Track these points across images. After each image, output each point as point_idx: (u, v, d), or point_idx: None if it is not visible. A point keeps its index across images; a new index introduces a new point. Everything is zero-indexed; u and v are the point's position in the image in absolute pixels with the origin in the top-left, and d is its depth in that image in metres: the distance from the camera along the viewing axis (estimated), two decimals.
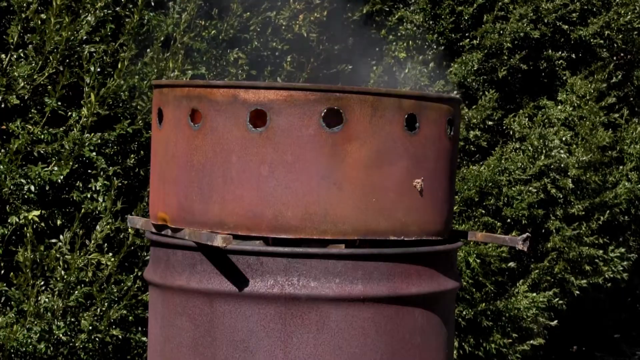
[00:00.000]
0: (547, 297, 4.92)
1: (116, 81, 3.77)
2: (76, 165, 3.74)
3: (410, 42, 4.85)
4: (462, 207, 4.74)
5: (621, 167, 5.38)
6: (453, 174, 2.63)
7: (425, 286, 2.51)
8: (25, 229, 3.57)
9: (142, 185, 3.93)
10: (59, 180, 3.69)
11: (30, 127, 3.68)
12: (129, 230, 3.76)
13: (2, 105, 3.67)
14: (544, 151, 4.91)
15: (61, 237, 3.69)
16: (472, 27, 4.96)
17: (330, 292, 2.40)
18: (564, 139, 4.97)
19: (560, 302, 5.04)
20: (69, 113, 3.78)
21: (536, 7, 4.97)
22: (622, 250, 5.31)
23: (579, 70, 5.27)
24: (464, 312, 4.68)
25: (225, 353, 2.42)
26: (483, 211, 4.80)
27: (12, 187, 3.61)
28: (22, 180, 3.64)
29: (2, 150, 3.64)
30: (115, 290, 3.77)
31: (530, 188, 4.85)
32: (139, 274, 3.83)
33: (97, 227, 3.72)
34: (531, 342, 4.98)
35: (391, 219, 2.45)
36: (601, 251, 5.21)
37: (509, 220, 4.89)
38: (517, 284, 4.95)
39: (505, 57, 4.93)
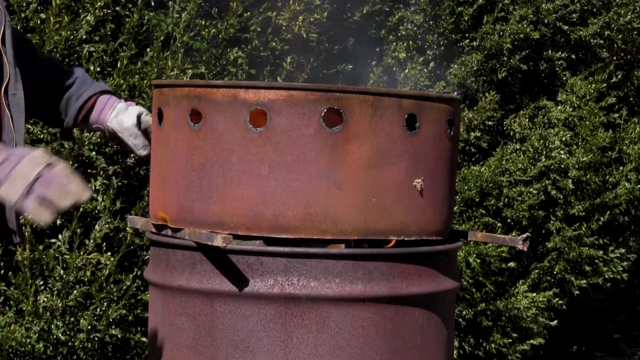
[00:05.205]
0: (547, 297, 4.92)
1: (116, 80, 3.76)
2: (76, 165, 3.74)
3: (411, 43, 4.85)
4: (462, 207, 4.74)
5: (621, 167, 5.37)
6: (453, 174, 2.62)
7: (425, 286, 2.51)
8: (24, 228, 3.57)
9: (141, 185, 3.92)
10: None
11: (30, 126, 3.68)
12: (128, 229, 3.76)
13: None
14: (544, 152, 4.90)
15: (60, 236, 3.69)
16: (472, 28, 4.95)
17: (330, 292, 2.40)
18: (564, 139, 4.97)
19: (560, 302, 5.03)
20: None
21: (536, 8, 4.97)
22: (622, 250, 5.31)
23: (579, 71, 5.27)
24: (464, 312, 4.68)
25: (225, 353, 2.42)
26: (483, 212, 4.80)
27: None
28: None
29: None
30: (114, 290, 3.76)
31: (531, 189, 4.84)
32: (138, 273, 3.83)
33: (96, 226, 3.72)
34: (531, 341, 4.98)
35: (391, 219, 2.45)
36: (601, 252, 5.20)
37: (509, 220, 4.89)
38: (517, 284, 4.95)
39: (505, 58, 4.93)
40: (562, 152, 4.92)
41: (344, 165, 2.40)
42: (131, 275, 3.80)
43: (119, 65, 3.77)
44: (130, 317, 3.83)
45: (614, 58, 5.45)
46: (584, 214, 5.09)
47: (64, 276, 3.66)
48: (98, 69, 3.77)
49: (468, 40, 4.92)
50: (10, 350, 3.58)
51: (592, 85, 5.13)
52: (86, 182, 2.31)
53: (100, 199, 3.74)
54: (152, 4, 4.05)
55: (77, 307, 3.74)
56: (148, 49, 3.92)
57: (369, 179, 2.42)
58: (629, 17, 5.29)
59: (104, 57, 3.83)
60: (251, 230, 2.41)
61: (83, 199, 2.24)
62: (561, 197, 4.99)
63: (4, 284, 3.67)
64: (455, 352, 4.73)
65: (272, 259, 2.40)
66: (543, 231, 5.05)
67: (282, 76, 4.26)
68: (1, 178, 2.19)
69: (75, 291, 3.69)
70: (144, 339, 3.84)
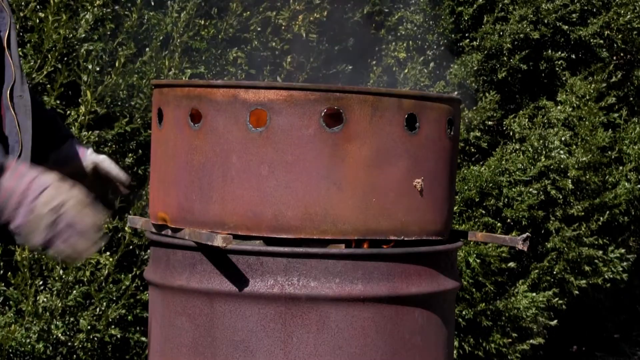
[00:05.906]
0: (547, 297, 4.92)
1: (114, 79, 3.76)
2: None
3: (411, 42, 4.85)
4: (462, 207, 4.74)
5: (621, 167, 5.37)
6: (453, 174, 2.62)
7: (425, 286, 2.51)
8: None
9: (140, 184, 3.92)
10: None
11: None
12: (126, 229, 3.75)
13: None
14: (544, 152, 4.90)
15: None
16: (472, 27, 4.95)
17: (330, 292, 2.40)
18: (563, 139, 4.97)
19: (560, 302, 5.03)
20: (68, 111, 3.77)
21: (536, 8, 4.97)
22: (622, 251, 5.30)
23: (578, 71, 5.27)
24: (464, 312, 4.68)
25: (225, 353, 2.41)
26: (483, 211, 4.80)
27: None
28: None
29: None
30: (113, 290, 3.76)
31: (531, 189, 4.84)
32: (137, 273, 3.83)
33: None
34: (531, 341, 4.98)
35: (391, 219, 2.45)
36: (601, 252, 5.20)
37: (509, 220, 4.89)
38: (517, 284, 4.95)
39: (505, 58, 4.93)
40: (561, 152, 4.92)
41: (344, 165, 2.40)
42: (130, 275, 3.80)
43: (117, 64, 3.77)
44: (129, 317, 3.83)
45: (614, 58, 5.45)
46: (583, 214, 5.09)
47: (64, 276, 3.66)
48: (97, 68, 3.76)
49: (468, 40, 4.91)
50: (10, 350, 3.57)
51: (592, 85, 5.13)
52: (99, 207, 2.20)
53: None
54: (152, 3, 4.05)
55: (76, 307, 3.73)
56: (147, 49, 3.92)
57: (369, 179, 2.42)
58: (628, 17, 5.29)
59: (103, 56, 3.83)
60: (251, 230, 2.41)
61: (93, 249, 2.15)
62: (561, 197, 4.99)
63: (3, 284, 3.66)
64: (455, 352, 4.72)
65: (272, 259, 2.40)
66: (543, 231, 5.05)
67: (282, 76, 4.26)
68: (23, 219, 2.09)
69: (74, 291, 3.68)
70: (143, 339, 3.83)
